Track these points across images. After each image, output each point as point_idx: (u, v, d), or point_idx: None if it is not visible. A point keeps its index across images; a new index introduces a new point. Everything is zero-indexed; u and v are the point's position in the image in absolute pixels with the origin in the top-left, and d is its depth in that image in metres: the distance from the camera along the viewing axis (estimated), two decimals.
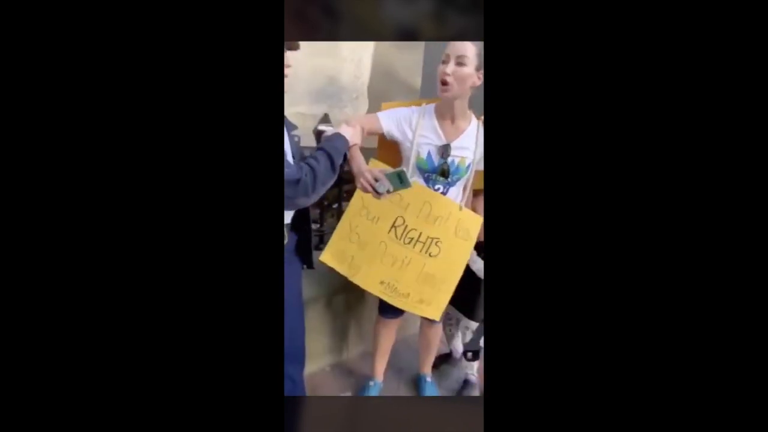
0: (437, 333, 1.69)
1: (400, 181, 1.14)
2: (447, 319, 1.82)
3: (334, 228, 1.85)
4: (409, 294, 1.40)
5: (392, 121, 1.35)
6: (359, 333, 1.93)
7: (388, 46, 2.28)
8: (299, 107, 1.86)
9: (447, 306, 1.47)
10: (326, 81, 1.98)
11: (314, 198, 1.08)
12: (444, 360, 1.93)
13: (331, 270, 1.43)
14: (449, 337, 1.85)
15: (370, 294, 1.88)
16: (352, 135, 1.22)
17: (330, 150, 1.12)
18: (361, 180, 1.17)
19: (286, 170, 0.99)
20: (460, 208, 1.38)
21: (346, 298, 1.84)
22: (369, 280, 1.40)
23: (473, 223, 1.39)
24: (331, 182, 1.12)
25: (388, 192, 1.15)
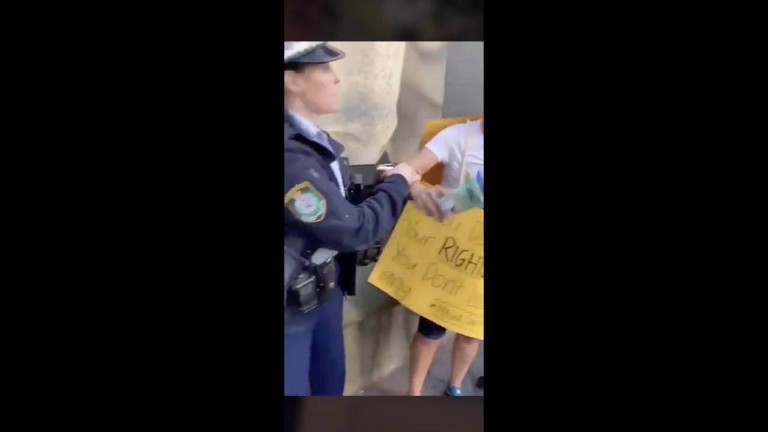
0: (474, 348, 1.64)
1: (470, 197, 0.98)
2: None
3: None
4: (461, 316, 1.34)
5: (444, 147, 1.32)
6: (389, 352, 1.93)
7: (414, 62, 2.20)
8: (335, 126, 1.80)
9: None
10: (359, 98, 1.92)
11: (371, 244, 1.00)
12: None
13: (373, 291, 1.37)
14: None
15: (399, 315, 1.87)
16: (410, 175, 1.16)
17: (393, 193, 1.04)
18: (423, 197, 1.06)
19: (346, 219, 0.92)
20: None
21: (380, 318, 1.82)
22: (419, 303, 1.34)
23: None
24: (391, 227, 1.05)
25: (453, 210, 1.02)
